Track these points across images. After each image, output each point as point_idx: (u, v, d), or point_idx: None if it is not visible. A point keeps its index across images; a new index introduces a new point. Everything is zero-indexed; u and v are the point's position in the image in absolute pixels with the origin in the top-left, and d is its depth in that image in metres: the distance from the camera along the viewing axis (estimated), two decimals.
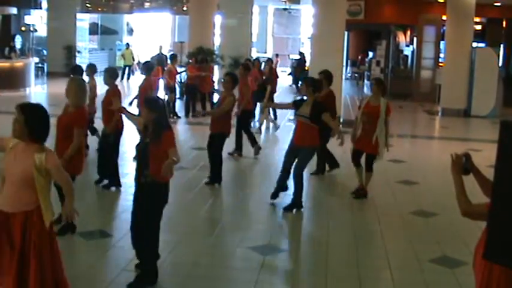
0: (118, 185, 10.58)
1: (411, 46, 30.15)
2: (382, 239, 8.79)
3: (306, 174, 10.69)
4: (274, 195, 10.10)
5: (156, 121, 6.56)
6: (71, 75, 10.88)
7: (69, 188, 5.50)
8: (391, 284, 7.28)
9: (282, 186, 10.12)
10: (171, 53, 25.48)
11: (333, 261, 7.84)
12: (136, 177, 6.71)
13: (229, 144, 12.48)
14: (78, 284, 6.75)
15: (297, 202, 9.81)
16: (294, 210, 9.76)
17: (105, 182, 10.64)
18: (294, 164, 9.86)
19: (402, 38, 31.14)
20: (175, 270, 7.28)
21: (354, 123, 11.06)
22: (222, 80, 12.00)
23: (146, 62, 14.24)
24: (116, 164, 10.62)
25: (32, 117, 5.17)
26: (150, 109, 6.62)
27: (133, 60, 33.32)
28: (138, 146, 7.05)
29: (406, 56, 30.30)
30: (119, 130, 10.53)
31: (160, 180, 6.43)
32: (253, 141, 13.76)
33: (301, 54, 32.56)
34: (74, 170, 7.72)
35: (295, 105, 9.99)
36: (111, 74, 10.98)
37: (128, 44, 33.87)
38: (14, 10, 26.06)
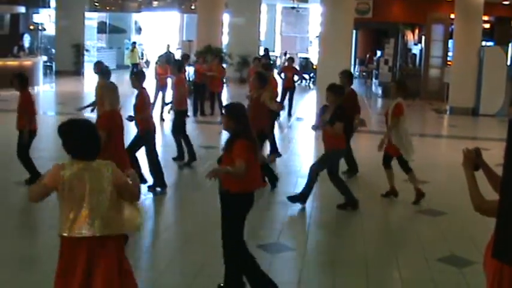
0: (162, 185, 10.60)
1: (419, 45, 30.10)
2: (390, 237, 8.78)
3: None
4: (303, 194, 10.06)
5: (235, 128, 6.23)
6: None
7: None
8: (399, 282, 7.28)
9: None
10: (183, 52, 25.50)
11: (340, 260, 7.84)
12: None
13: None
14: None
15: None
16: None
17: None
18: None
19: (410, 37, 31.09)
20: (184, 270, 7.29)
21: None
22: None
23: (176, 62, 14.33)
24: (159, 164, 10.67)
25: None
26: (230, 117, 6.28)
27: (140, 59, 33.33)
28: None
29: (415, 55, 30.24)
30: (150, 131, 10.53)
31: (233, 190, 6.16)
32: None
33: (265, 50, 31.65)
34: None
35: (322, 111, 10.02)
36: (139, 77, 10.79)
37: (134, 43, 33.90)
38: (22, 9, 26.14)
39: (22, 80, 10.51)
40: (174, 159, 12.69)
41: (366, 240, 8.65)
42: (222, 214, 6.33)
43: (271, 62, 22.62)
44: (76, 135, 4.89)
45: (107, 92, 8.31)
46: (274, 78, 15.03)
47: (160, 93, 19.04)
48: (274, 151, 13.38)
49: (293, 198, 9.89)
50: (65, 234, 4.77)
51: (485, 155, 4.57)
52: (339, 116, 9.49)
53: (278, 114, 15.76)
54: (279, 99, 20.50)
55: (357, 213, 9.88)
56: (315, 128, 10.50)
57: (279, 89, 20.70)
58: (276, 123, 15.03)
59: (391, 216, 9.70)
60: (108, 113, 8.08)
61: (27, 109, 10.36)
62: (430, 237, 8.90)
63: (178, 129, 12.78)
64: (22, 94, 10.43)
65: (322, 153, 9.94)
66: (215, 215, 6.77)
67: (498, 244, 3.86)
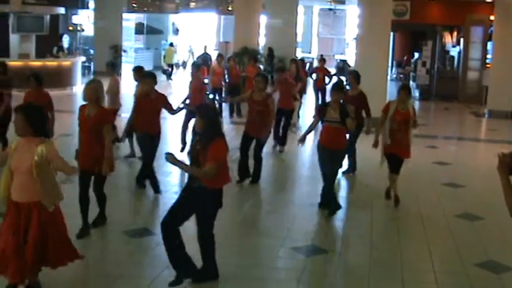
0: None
1: (458, 47, 29.78)
2: (427, 241, 8.70)
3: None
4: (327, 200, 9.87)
5: (206, 129, 6.52)
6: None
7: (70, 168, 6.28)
8: (435, 287, 7.21)
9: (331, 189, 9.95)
10: (218, 52, 25.59)
11: (375, 264, 7.79)
12: (189, 181, 6.79)
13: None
14: (121, 281, 6.85)
15: (334, 204, 9.76)
16: (332, 211, 9.74)
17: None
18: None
19: (448, 39, 30.75)
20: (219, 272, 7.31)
21: (377, 126, 10.71)
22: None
23: (195, 62, 14.43)
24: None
25: (33, 115, 6.07)
26: (201, 116, 6.56)
27: (176, 59, 33.55)
28: (190, 152, 7.12)
29: (453, 57, 29.91)
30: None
31: (209, 186, 6.50)
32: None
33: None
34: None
35: (321, 112, 9.82)
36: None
37: (171, 43, 34.10)
38: (62, 10, 26.41)
39: (38, 79, 10.60)
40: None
41: (401, 244, 8.58)
42: (196, 208, 6.65)
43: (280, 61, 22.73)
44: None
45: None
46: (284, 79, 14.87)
47: None
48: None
49: (331, 212, 9.73)
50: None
51: None
52: (346, 112, 9.49)
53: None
54: (313, 100, 20.60)
55: (391, 217, 9.82)
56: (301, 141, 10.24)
57: (310, 90, 20.75)
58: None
59: (426, 220, 9.60)
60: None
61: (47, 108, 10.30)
62: (467, 242, 8.79)
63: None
64: (38, 93, 10.54)
65: (334, 159, 9.70)
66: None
67: None
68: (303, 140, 10.13)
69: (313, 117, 10.15)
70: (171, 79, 31.83)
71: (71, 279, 6.72)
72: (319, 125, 10.01)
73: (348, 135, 10.12)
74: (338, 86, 10.06)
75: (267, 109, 11.06)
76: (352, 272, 7.76)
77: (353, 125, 9.59)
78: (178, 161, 6.68)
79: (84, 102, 8.07)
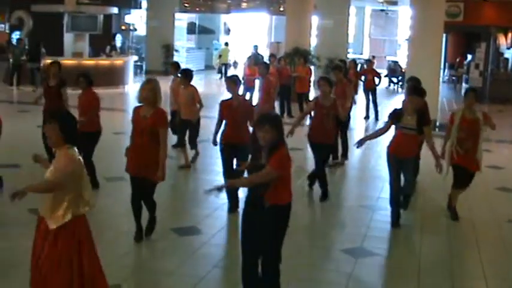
0: None
1: None
2: (478, 247, 8.57)
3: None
4: (397, 218, 9.29)
5: (274, 140, 5.66)
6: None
7: (46, 188, 5.32)
8: None
9: (400, 205, 9.46)
10: (270, 53, 25.64)
11: (425, 269, 7.69)
12: (251, 200, 5.97)
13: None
14: (170, 278, 6.90)
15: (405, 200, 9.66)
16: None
17: None
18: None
19: (503, 40, 30.28)
20: None
21: (445, 138, 9.90)
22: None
23: (264, 63, 14.52)
24: None
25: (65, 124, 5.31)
26: (272, 126, 5.65)
27: (229, 59, 33.70)
28: (251, 169, 6.06)
29: (507, 59, 29.45)
30: None
31: (279, 203, 5.76)
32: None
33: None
34: None
35: (396, 116, 9.08)
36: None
37: (226, 42, 34.25)
38: (115, 10, 26.75)
39: (88, 79, 10.56)
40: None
41: (451, 249, 8.47)
42: (260, 230, 5.82)
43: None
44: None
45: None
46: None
47: (248, 94, 19.19)
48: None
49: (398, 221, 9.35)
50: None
51: None
52: (426, 120, 9.09)
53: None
54: (363, 102, 20.45)
55: (442, 222, 9.70)
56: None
57: (360, 92, 20.62)
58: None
59: (478, 225, 9.46)
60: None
61: (93, 108, 10.34)
62: None
63: None
64: (86, 92, 10.43)
65: (406, 167, 9.41)
66: None
67: None
68: (361, 142, 9.28)
69: (385, 122, 9.36)
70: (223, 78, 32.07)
71: (119, 276, 6.78)
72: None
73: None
74: (417, 91, 9.27)
75: (335, 114, 10.35)
76: (401, 276, 7.68)
77: (431, 136, 9.10)
78: (237, 180, 6.49)
79: (139, 104, 7.73)
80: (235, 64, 38.89)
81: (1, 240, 7.73)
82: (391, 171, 9.16)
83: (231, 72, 35.81)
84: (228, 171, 9.28)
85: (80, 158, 5.33)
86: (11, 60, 24.40)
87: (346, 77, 16.72)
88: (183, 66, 15.15)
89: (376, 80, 20.16)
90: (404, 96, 12.58)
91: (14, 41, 26.96)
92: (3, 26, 43.04)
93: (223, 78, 31.79)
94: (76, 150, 5.30)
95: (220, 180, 10.05)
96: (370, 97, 20.25)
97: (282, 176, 5.66)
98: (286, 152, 5.69)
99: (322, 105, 10.33)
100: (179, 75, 12.88)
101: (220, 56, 33.70)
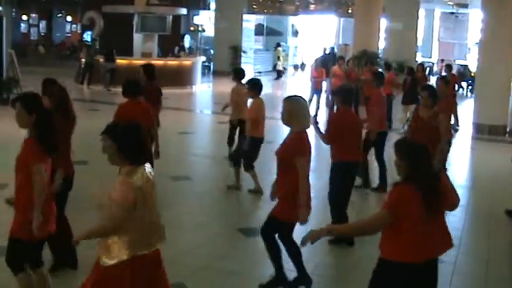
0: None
1: None
2: None
3: None
4: None
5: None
6: None
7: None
8: None
9: None
10: (339, 55, 25.51)
11: (492, 277, 7.56)
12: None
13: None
14: (234, 278, 6.93)
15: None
16: None
17: None
18: None
19: None
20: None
21: None
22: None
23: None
24: None
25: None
26: (409, 159, 4.71)
27: (281, 60, 33.75)
28: None
29: None
30: None
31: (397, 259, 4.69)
32: None
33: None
34: None
35: None
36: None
37: (278, 43, 34.52)
38: (183, 11, 27.05)
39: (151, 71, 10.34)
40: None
41: None
42: None
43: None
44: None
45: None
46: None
47: (315, 97, 19.14)
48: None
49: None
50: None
51: None
52: None
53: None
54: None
55: (509, 231, 9.50)
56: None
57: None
58: None
59: None
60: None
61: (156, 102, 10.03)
62: None
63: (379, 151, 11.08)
64: (151, 87, 10.03)
65: None
66: None
67: None
68: None
69: None
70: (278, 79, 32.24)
71: (182, 275, 6.85)
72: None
73: None
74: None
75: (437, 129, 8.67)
76: (468, 283, 7.56)
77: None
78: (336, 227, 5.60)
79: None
80: (302, 66, 38.89)
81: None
82: None
83: (298, 74, 35.87)
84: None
85: None
86: (83, 59, 24.92)
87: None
88: (250, 68, 15.05)
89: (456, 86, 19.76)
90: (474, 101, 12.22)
91: (89, 41, 27.47)
92: (75, 26, 44.03)
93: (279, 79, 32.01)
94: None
95: None
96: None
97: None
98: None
99: (421, 117, 8.99)
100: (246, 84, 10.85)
101: (278, 58, 33.84)
